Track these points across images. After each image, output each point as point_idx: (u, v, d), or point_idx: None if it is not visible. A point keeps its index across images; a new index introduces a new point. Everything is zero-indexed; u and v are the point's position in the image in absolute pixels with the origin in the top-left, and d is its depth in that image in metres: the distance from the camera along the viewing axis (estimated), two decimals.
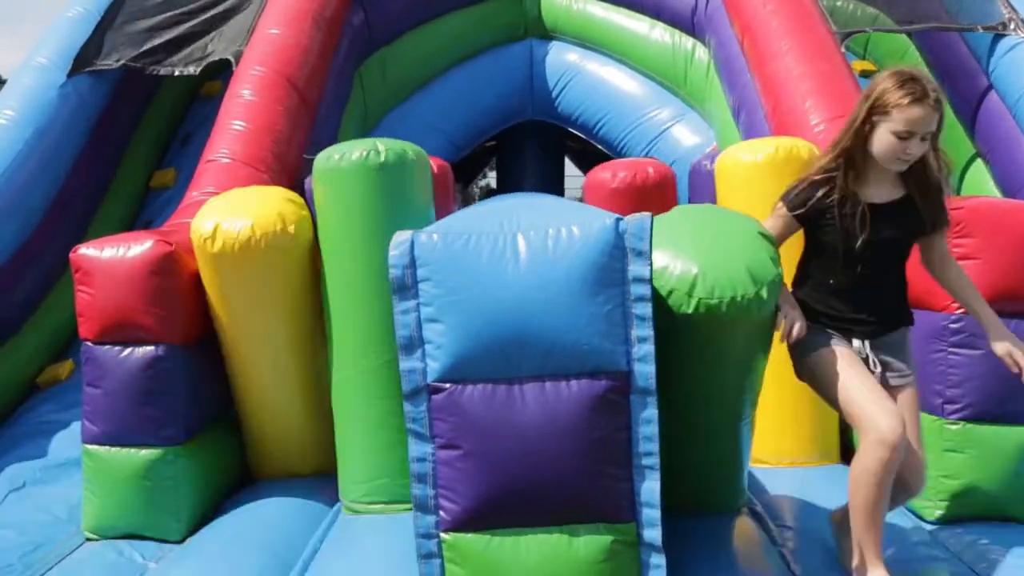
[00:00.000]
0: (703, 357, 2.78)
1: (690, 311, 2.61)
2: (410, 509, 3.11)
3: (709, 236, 2.73)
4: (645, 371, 2.50)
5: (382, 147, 3.27)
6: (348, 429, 3.38)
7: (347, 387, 3.38)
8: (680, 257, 2.65)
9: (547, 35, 7.21)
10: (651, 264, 2.52)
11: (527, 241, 2.54)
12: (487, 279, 2.51)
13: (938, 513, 3.24)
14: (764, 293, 2.61)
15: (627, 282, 2.50)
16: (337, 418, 3.42)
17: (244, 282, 3.37)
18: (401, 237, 2.60)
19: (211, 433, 3.57)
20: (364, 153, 3.25)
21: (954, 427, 3.19)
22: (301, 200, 3.51)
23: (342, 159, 3.28)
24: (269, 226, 3.30)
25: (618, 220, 2.53)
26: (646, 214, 2.57)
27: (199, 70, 5.54)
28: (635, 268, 2.50)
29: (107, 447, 3.35)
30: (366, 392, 3.32)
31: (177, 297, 3.36)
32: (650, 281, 2.51)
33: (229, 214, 3.32)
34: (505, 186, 8.63)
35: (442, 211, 4.73)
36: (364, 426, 3.35)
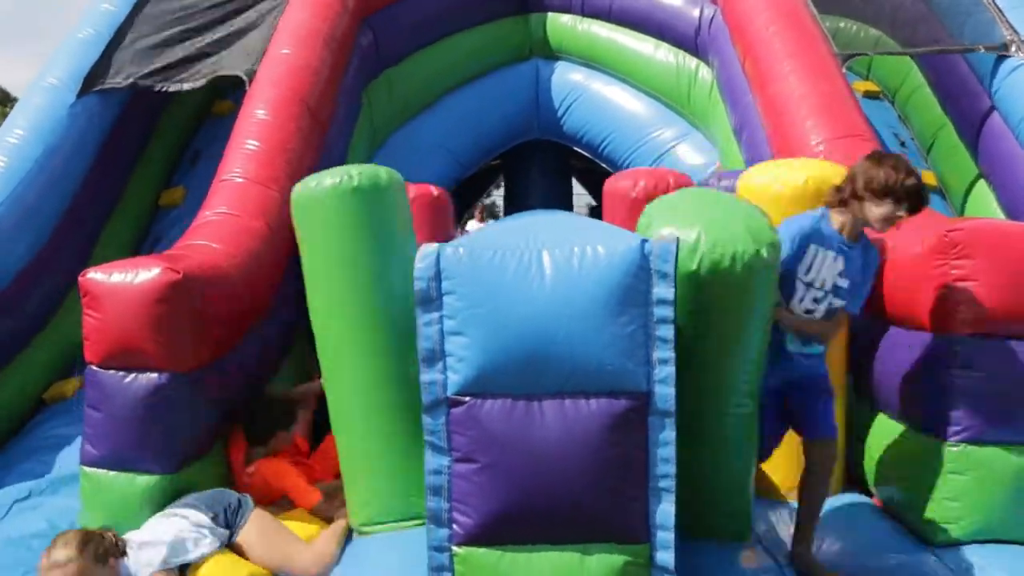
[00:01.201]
0: (713, 327, 2.83)
1: (694, 267, 2.69)
2: (419, 525, 3.16)
3: (710, 207, 2.82)
4: (665, 393, 2.52)
5: (355, 172, 3.30)
6: (349, 449, 3.39)
7: (343, 407, 3.38)
8: (683, 223, 2.74)
9: (552, 55, 7.28)
10: (675, 287, 2.54)
11: (552, 258, 2.56)
12: (511, 294, 2.53)
13: (942, 536, 3.22)
14: (764, 252, 2.69)
15: (650, 303, 2.52)
16: (338, 438, 3.43)
17: None
18: (427, 249, 2.62)
19: (207, 460, 3.56)
20: (338, 179, 3.28)
21: (955, 449, 3.17)
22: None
23: (317, 186, 3.30)
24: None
25: (644, 242, 2.56)
26: (672, 236, 2.60)
27: (205, 83, 5.57)
28: (659, 290, 2.52)
29: (105, 470, 3.34)
30: (364, 410, 3.31)
31: (182, 325, 3.34)
32: (674, 303, 2.53)
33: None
34: (512, 204, 8.68)
35: (440, 235, 4.78)
36: (364, 447, 3.34)
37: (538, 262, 2.57)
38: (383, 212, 3.33)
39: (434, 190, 5.20)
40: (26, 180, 4.82)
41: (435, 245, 2.64)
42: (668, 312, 2.52)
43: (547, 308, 2.52)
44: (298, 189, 3.38)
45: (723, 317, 2.83)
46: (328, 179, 3.29)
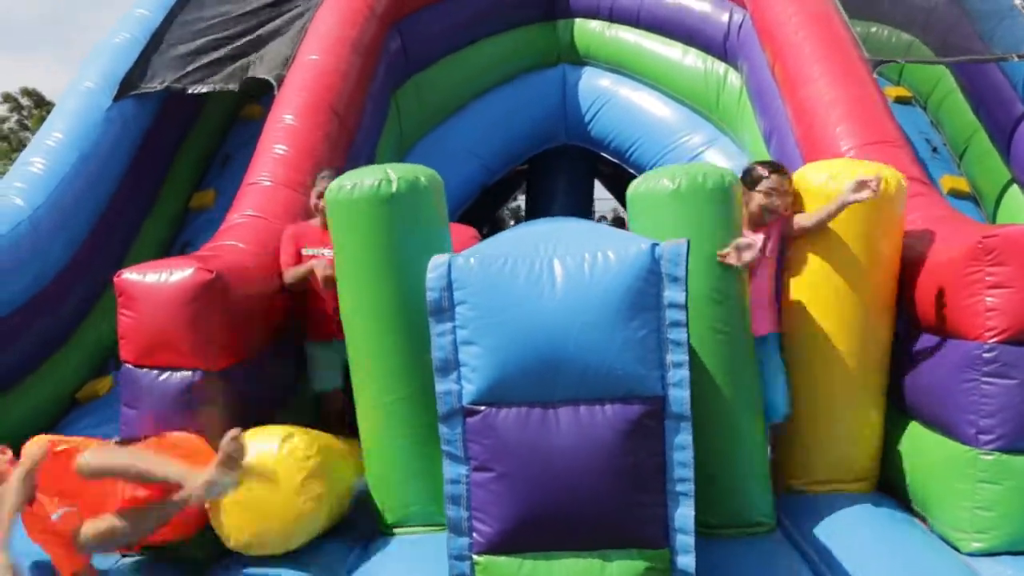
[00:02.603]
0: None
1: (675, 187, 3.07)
2: (441, 530, 3.17)
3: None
4: (680, 396, 2.52)
5: (394, 175, 3.26)
6: (375, 452, 3.41)
7: (371, 411, 3.39)
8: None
9: (580, 61, 7.28)
10: (687, 290, 2.54)
11: (563, 265, 2.57)
12: (523, 303, 2.54)
13: (974, 545, 3.18)
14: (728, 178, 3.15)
15: (662, 307, 2.53)
16: (364, 442, 3.45)
17: None
18: (438, 260, 2.65)
19: None
20: (376, 182, 3.23)
21: (989, 458, 3.13)
22: None
23: (354, 189, 3.26)
24: None
25: (654, 245, 2.56)
26: (682, 240, 2.60)
27: (239, 87, 5.66)
28: (670, 293, 2.52)
29: None
30: (393, 417, 3.33)
31: (215, 324, 3.39)
32: (686, 307, 2.53)
33: None
34: (534, 209, 8.68)
35: None
36: (391, 451, 3.36)
37: (549, 269, 2.58)
38: (423, 216, 3.31)
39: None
40: (64, 183, 4.91)
41: (446, 255, 2.66)
42: (680, 315, 2.53)
43: (559, 315, 2.54)
44: (333, 189, 3.35)
45: None
46: (367, 181, 3.26)
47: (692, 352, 2.85)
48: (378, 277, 3.29)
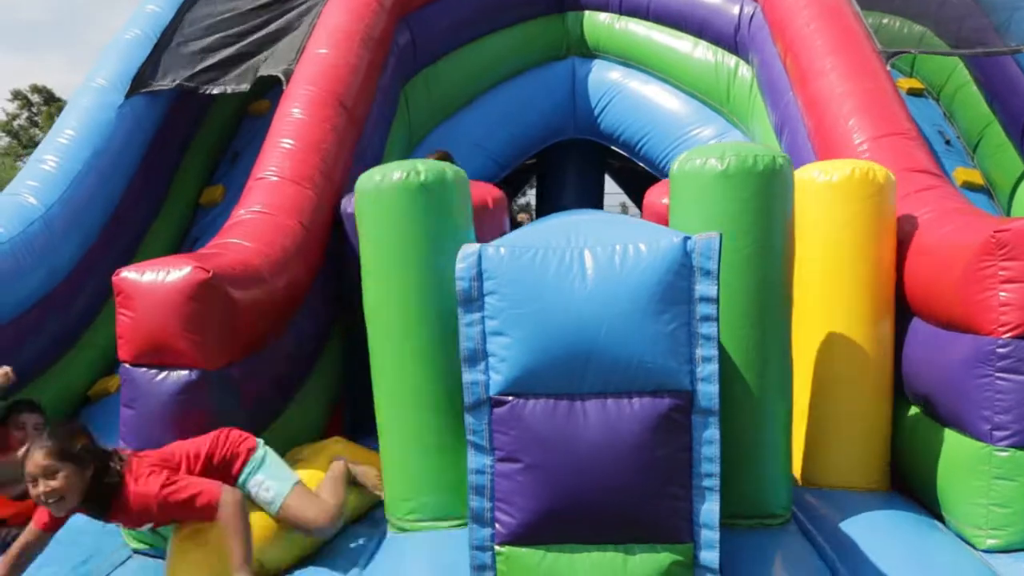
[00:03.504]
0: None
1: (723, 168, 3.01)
2: (456, 526, 3.17)
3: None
4: (709, 391, 2.50)
5: (422, 167, 3.27)
6: (393, 446, 3.41)
7: (391, 404, 3.39)
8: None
9: (589, 54, 7.25)
10: (718, 284, 2.52)
11: (594, 257, 2.56)
12: (553, 294, 2.53)
13: (990, 542, 3.15)
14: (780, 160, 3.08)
15: (693, 301, 2.51)
16: (382, 435, 3.46)
17: None
18: (469, 249, 2.63)
19: None
20: (404, 174, 3.25)
21: (1003, 454, 3.10)
22: None
23: (383, 179, 3.28)
24: None
25: (686, 239, 2.54)
26: (714, 233, 2.58)
27: (249, 86, 5.66)
28: (702, 287, 2.51)
29: None
30: (414, 408, 3.32)
31: (212, 323, 3.36)
32: (717, 301, 2.51)
33: None
34: (545, 203, 8.67)
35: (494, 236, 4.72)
36: (409, 443, 3.35)
37: (579, 261, 2.57)
38: (449, 210, 3.31)
39: (490, 199, 4.94)
40: (76, 181, 4.93)
41: (476, 245, 2.65)
42: (712, 310, 2.51)
43: (589, 307, 2.52)
44: (363, 181, 3.36)
45: None
46: (396, 172, 3.27)
47: (724, 337, 2.83)
48: (405, 267, 3.27)
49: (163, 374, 3.33)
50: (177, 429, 3.31)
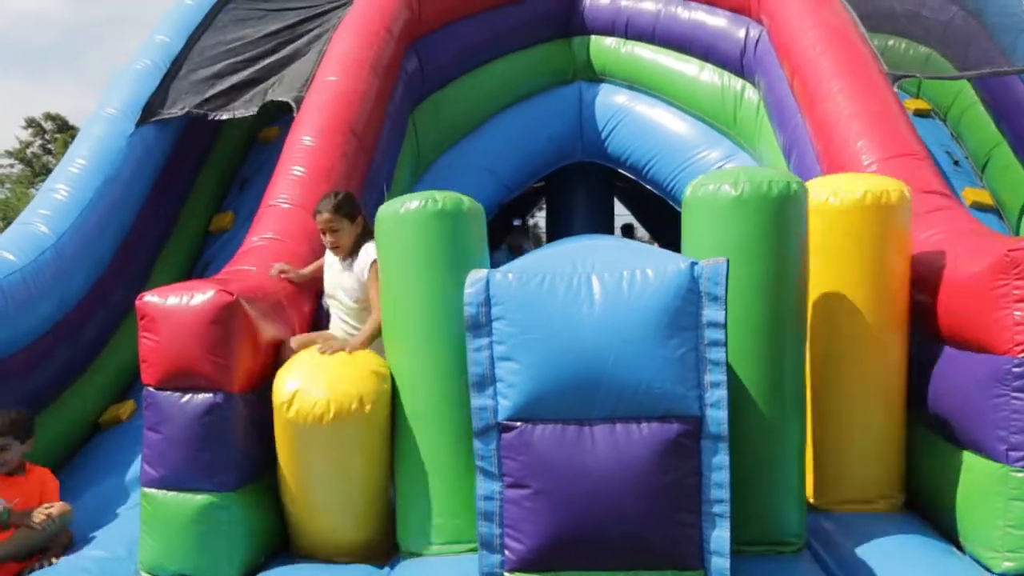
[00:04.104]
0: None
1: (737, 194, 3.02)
2: (466, 551, 3.15)
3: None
4: (718, 417, 2.50)
5: (439, 196, 3.33)
6: (407, 470, 3.40)
7: (406, 428, 3.39)
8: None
9: (596, 78, 7.30)
10: (726, 309, 2.51)
11: (601, 283, 2.57)
12: (561, 319, 2.54)
13: (1006, 564, 3.12)
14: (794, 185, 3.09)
15: (701, 326, 2.52)
16: (397, 459, 3.45)
17: (318, 449, 3.34)
18: (477, 275, 2.65)
19: (264, 480, 3.60)
20: (424, 202, 3.30)
21: (1020, 475, 3.07)
22: (385, 372, 3.43)
23: (402, 207, 3.33)
24: (345, 403, 3.24)
25: (693, 264, 2.54)
26: (722, 259, 2.58)
27: (257, 109, 5.70)
28: (709, 312, 2.51)
29: (164, 491, 3.41)
30: (426, 433, 3.32)
31: (236, 346, 3.40)
32: (725, 326, 2.50)
33: (309, 382, 3.30)
34: (555, 227, 8.69)
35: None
36: (423, 467, 3.34)
37: (587, 287, 2.57)
38: (465, 237, 3.34)
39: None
40: (87, 210, 4.95)
41: (484, 271, 2.66)
42: (720, 335, 2.51)
43: (597, 333, 2.53)
44: (384, 210, 3.42)
45: None
46: (414, 202, 3.33)
47: (738, 362, 2.81)
48: (421, 292, 3.30)
49: (188, 397, 3.37)
50: (202, 451, 3.34)
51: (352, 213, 3.95)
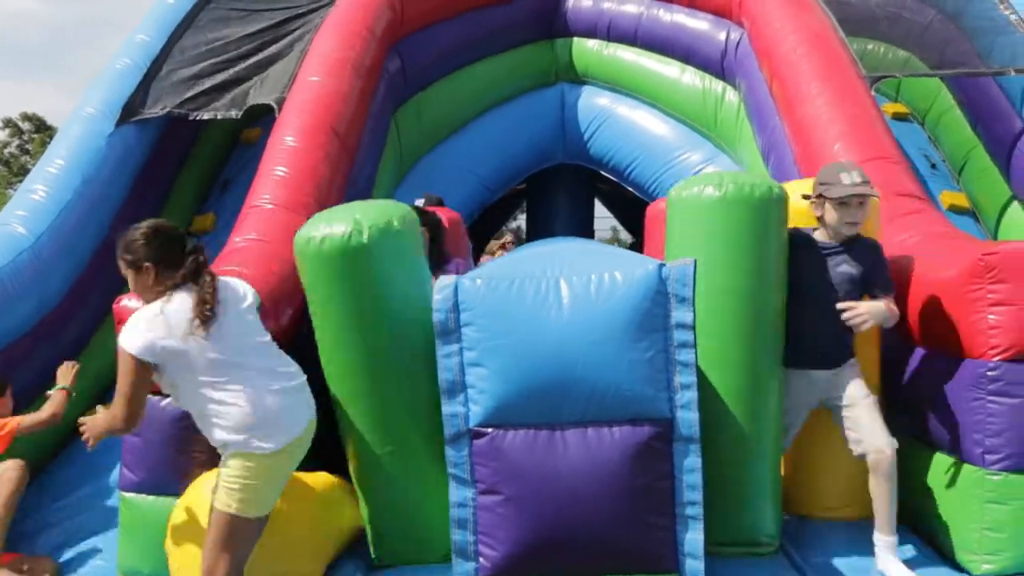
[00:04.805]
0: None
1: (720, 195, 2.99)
2: (439, 562, 3.13)
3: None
4: (688, 418, 2.51)
5: (365, 223, 2.90)
6: (372, 480, 3.34)
7: (360, 447, 3.20)
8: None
9: (578, 80, 7.33)
10: (694, 311, 2.52)
11: (570, 286, 2.57)
12: (530, 324, 2.54)
13: (985, 567, 3.15)
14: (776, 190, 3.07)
15: (669, 328, 2.53)
16: (360, 469, 3.31)
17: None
18: (445, 281, 2.64)
19: None
20: (347, 232, 2.90)
21: (996, 478, 3.11)
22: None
23: (324, 241, 2.94)
24: None
25: (661, 266, 2.56)
26: (689, 260, 2.60)
27: (241, 114, 5.67)
28: (678, 314, 2.52)
29: (143, 495, 3.39)
30: (395, 441, 3.14)
31: None
32: (693, 327, 2.52)
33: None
34: (535, 228, 8.70)
35: (454, 259, 4.73)
36: (392, 480, 3.18)
37: (555, 291, 2.58)
38: (398, 264, 2.97)
39: (445, 218, 4.83)
40: (66, 210, 4.91)
41: (452, 277, 2.65)
42: (688, 336, 2.53)
43: (566, 336, 2.53)
44: (303, 239, 3.04)
45: None
46: (337, 227, 2.93)
47: (716, 364, 2.81)
48: (356, 327, 3.03)
49: (166, 401, 3.31)
50: (180, 456, 3.31)
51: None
